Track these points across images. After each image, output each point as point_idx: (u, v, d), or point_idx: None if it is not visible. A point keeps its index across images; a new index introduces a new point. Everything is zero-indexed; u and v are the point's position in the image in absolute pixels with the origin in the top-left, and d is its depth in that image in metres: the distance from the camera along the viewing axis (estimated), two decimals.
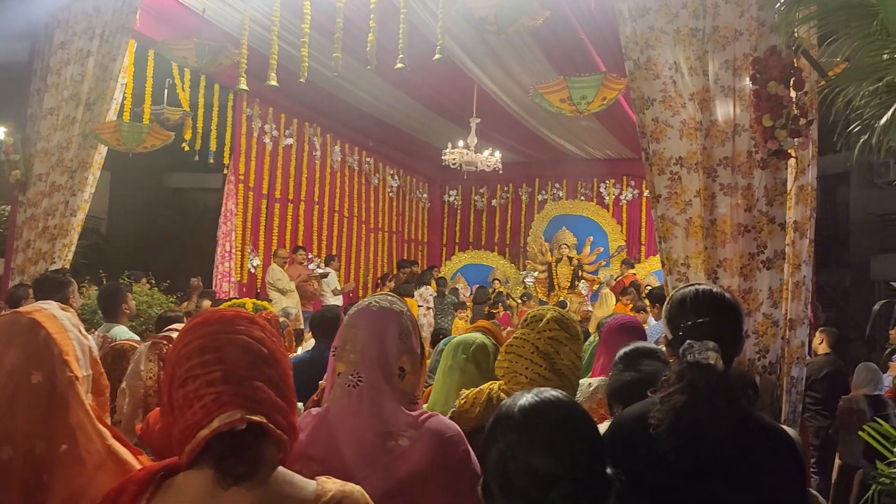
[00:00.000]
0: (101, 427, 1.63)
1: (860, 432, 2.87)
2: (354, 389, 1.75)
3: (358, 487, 1.39)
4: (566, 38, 7.53)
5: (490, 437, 1.30)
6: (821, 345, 6.34)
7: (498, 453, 1.26)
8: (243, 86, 6.85)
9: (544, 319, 2.22)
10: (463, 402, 2.17)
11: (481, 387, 2.25)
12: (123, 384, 2.59)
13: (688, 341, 1.68)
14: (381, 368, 1.76)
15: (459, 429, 1.84)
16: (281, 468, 1.34)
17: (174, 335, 2.61)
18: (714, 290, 1.82)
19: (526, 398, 1.30)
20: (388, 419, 1.73)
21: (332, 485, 1.35)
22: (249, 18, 6.92)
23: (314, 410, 1.84)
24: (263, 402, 1.30)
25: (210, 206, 11.52)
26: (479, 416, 2.12)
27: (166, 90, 8.76)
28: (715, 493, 1.35)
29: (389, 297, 1.92)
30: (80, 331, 1.71)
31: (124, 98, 7.20)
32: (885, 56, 2.93)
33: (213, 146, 9.47)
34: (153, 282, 8.06)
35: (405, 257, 14.41)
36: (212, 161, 9.58)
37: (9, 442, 1.52)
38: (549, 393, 1.34)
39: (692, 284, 1.86)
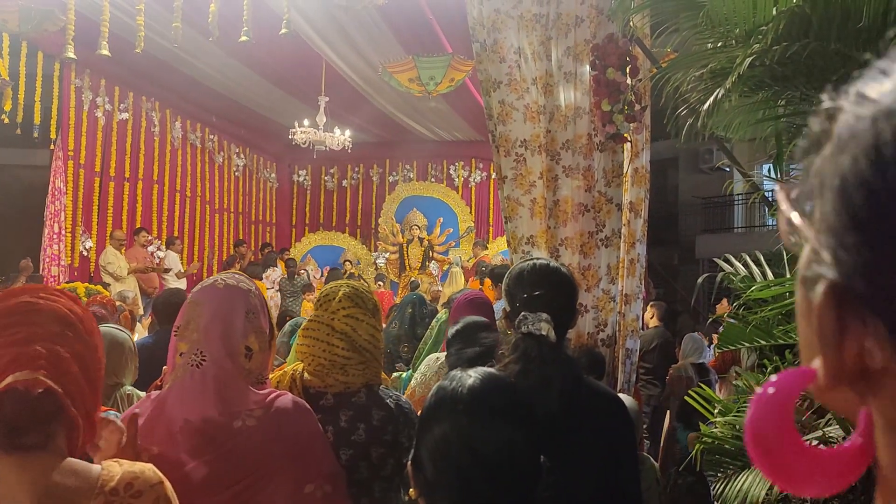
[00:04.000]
0: None
1: (686, 397, 3.08)
2: (198, 369, 1.68)
3: (150, 465, 1.31)
4: (415, 18, 7.53)
5: (433, 415, 1.27)
6: (651, 318, 6.77)
7: (441, 432, 1.23)
8: (71, 54, 6.37)
9: (336, 298, 2.13)
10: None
11: (285, 369, 2.20)
12: None
13: (522, 313, 1.73)
14: (225, 347, 1.71)
15: (307, 406, 1.82)
16: (69, 458, 1.23)
17: None
18: (550, 264, 1.90)
19: (474, 380, 1.27)
20: (234, 399, 1.68)
21: (118, 467, 1.26)
22: None
23: (154, 394, 1.75)
24: (67, 375, 1.21)
25: (36, 185, 10.67)
26: None
27: None
28: (552, 458, 1.39)
29: (237, 276, 1.86)
30: None
31: None
32: (710, 45, 3.12)
33: (37, 119, 8.75)
34: None
35: (255, 239, 14.02)
36: (37, 136, 8.86)
37: None
38: (495, 377, 1.32)
39: (530, 259, 1.92)
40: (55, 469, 1.19)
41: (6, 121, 8.26)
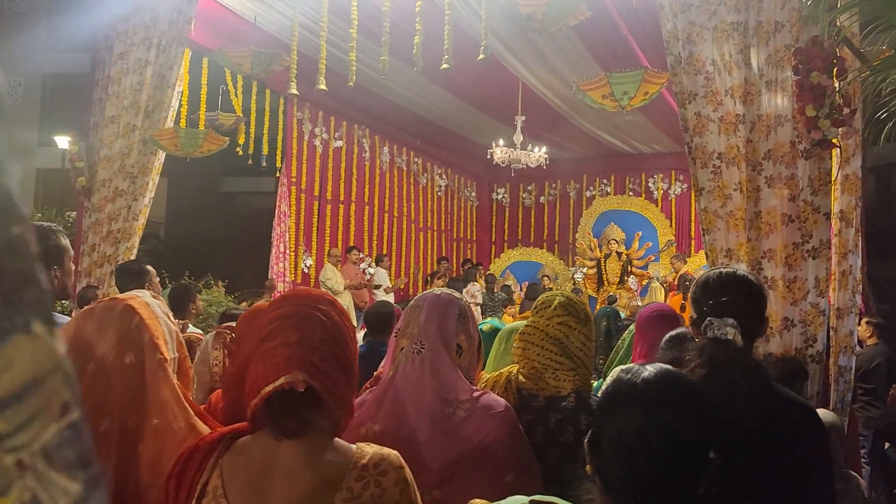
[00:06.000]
0: (185, 404, 1.79)
1: None
2: (418, 356, 1.92)
3: (394, 452, 1.50)
4: (609, 34, 7.57)
5: (608, 402, 1.36)
6: (870, 337, 6.26)
7: (614, 419, 1.31)
8: (294, 90, 7.05)
9: (552, 306, 2.27)
10: (483, 384, 2.27)
11: (501, 370, 2.35)
12: (192, 371, 2.77)
13: (708, 318, 1.77)
14: (441, 341, 1.94)
15: (508, 405, 1.99)
16: (335, 439, 1.46)
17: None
18: (737, 272, 1.92)
19: (650, 372, 1.34)
20: (449, 384, 1.90)
21: (369, 449, 1.47)
22: (299, 25, 7.12)
23: (375, 387, 2.00)
24: (328, 374, 1.42)
25: (263, 209, 11.84)
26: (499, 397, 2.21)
27: (220, 97, 9.05)
28: (737, 464, 1.42)
29: (448, 289, 2.14)
30: (168, 317, 1.88)
31: (180, 105, 7.47)
32: None
33: (265, 150, 9.73)
34: (214, 282, 8.34)
35: (456, 256, 14.55)
36: (264, 165, 9.84)
37: (107, 414, 1.69)
38: (672, 371, 1.39)
39: (717, 267, 1.95)
40: (323, 448, 1.43)
41: (240, 153, 9.27)
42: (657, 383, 1.33)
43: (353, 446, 1.47)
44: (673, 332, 2.70)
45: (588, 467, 1.36)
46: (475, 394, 1.93)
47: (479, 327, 4.00)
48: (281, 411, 1.39)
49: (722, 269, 1.93)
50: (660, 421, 1.28)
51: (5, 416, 0.42)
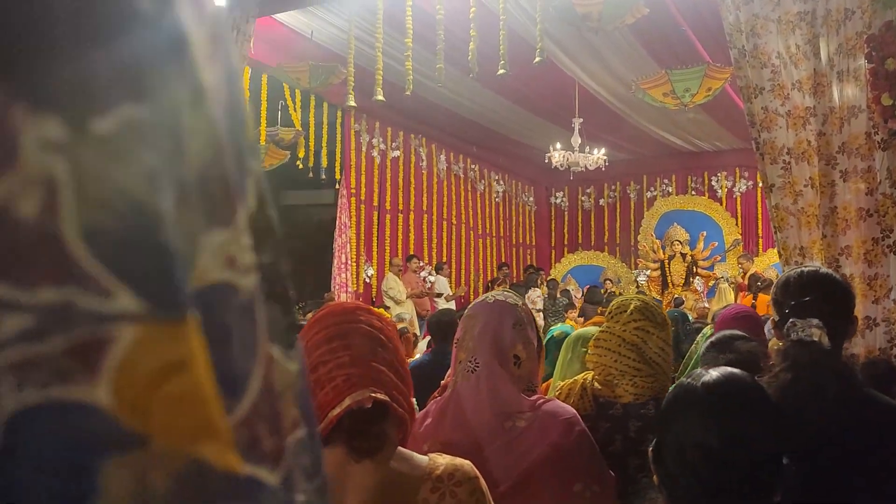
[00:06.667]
0: None
1: None
2: (473, 374, 1.87)
3: (468, 462, 1.47)
4: (667, 30, 7.42)
5: (669, 408, 1.33)
6: None
7: (675, 426, 1.28)
8: (352, 102, 7.12)
9: (628, 310, 2.20)
10: (558, 393, 2.22)
11: (576, 377, 2.29)
12: None
13: (791, 320, 1.69)
14: (495, 354, 1.87)
15: (574, 411, 1.92)
16: (399, 448, 1.45)
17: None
18: (820, 270, 1.83)
19: (711, 376, 1.30)
20: (506, 400, 1.84)
21: (442, 460, 1.45)
22: (354, 38, 7.19)
23: (438, 399, 1.97)
24: (386, 383, 1.41)
25: (324, 221, 12.00)
26: (575, 405, 2.16)
27: (279, 111, 9.20)
28: (824, 471, 1.34)
29: (506, 293, 2.04)
30: None
31: None
32: None
33: (324, 162, 9.85)
34: None
35: (516, 262, 14.48)
36: (324, 177, 9.97)
37: None
38: (736, 374, 1.33)
39: (798, 266, 1.87)
40: (396, 460, 1.41)
41: (300, 166, 9.40)
42: (719, 387, 1.27)
43: (426, 457, 1.46)
44: (713, 339, 2.59)
45: (654, 477, 1.31)
46: (538, 402, 1.87)
47: (550, 333, 3.95)
48: (352, 432, 1.38)
49: (803, 268, 1.84)
50: (723, 426, 1.23)
51: (303, 444, 0.45)
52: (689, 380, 1.32)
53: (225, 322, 0.38)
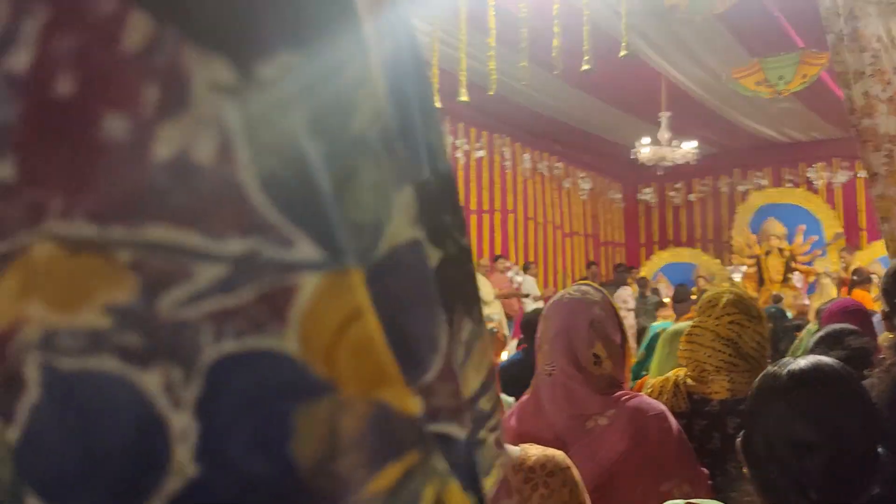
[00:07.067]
0: None
1: None
2: (549, 378, 1.85)
3: (559, 452, 1.46)
4: (758, 18, 7.18)
5: (754, 398, 1.30)
6: None
7: (760, 416, 1.26)
8: (436, 104, 7.16)
9: (721, 304, 2.12)
10: (650, 391, 2.17)
11: (667, 374, 2.24)
12: None
13: None
14: (571, 357, 1.83)
15: (663, 407, 1.87)
16: None
17: None
18: None
19: (797, 364, 1.26)
20: (582, 402, 1.80)
21: (533, 451, 1.45)
22: (437, 40, 7.24)
23: (523, 399, 1.97)
24: None
25: None
26: (668, 403, 2.10)
27: None
28: None
29: (583, 288, 1.97)
30: None
31: None
32: None
33: None
34: None
35: (604, 260, 14.29)
36: None
37: None
38: (824, 361, 1.29)
39: None
40: None
41: None
42: (806, 375, 1.23)
43: (517, 448, 1.45)
44: (822, 333, 2.49)
45: (745, 469, 1.27)
46: (622, 398, 1.82)
47: (653, 330, 3.88)
48: None
49: None
50: (810, 415, 1.18)
51: (488, 398, 0.48)
52: (775, 367, 1.28)
53: (414, 278, 0.39)
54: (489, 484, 0.46)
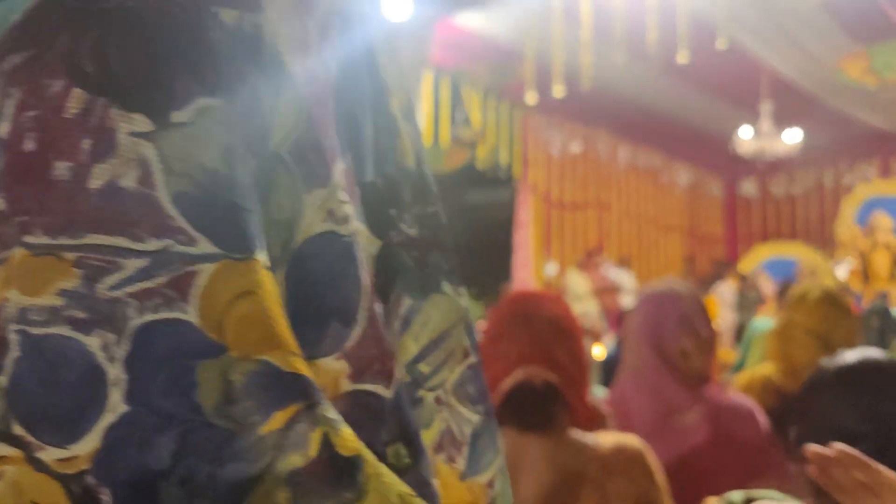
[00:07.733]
0: None
1: None
2: (635, 371, 1.88)
3: (635, 437, 1.52)
4: (863, 4, 6.96)
5: (805, 389, 1.33)
6: None
7: (812, 411, 1.28)
8: (530, 99, 7.26)
9: (811, 299, 2.12)
10: (739, 387, 2.17)
11: (756, 370, 2.23)
12: None
13: None
14: (656, 352, 1.84)
15: (752, 403, 1.88)
16: (570, 430, 1.49)
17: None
18: None
19: (846, 358, 1.28)
20: (669, 398, 1.82)
21: (609, 437, 1.51)
22: (531, 35, 7.33)
23: (609, 395, 2.03)
24: (561, 367, 1.49)
25: (502, 219, 12.26)
26: (757, 399, 2.08)
27: (457, 112, 9.48)
28: None
29: (672, 283, 2.04)
30: None
31: (424, 124, 7.97)
32: None
33: (505, 160, 10.05)
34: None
35: (697, 254, 13.99)
36: (504, 175, 10.16)
37: None
38: (872, 354, 1.31)
39: None
40: (562, 440, 1.48)
41: (481, 165, 9.66)
42: (854, 368, 1.24)
43: (592, 436, 1.50)
44: None
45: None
46: (709, 396, 1.83)
47: (753, 327, 3.83)
48: (522, 406, 1.45)
49: None
50: (857, 408, 1.19)
51: (427, 362, 0.53)
52: (826, 361, 1.30)
53: (330, 262, 0.49)
54: (430, 436, 0.51)
